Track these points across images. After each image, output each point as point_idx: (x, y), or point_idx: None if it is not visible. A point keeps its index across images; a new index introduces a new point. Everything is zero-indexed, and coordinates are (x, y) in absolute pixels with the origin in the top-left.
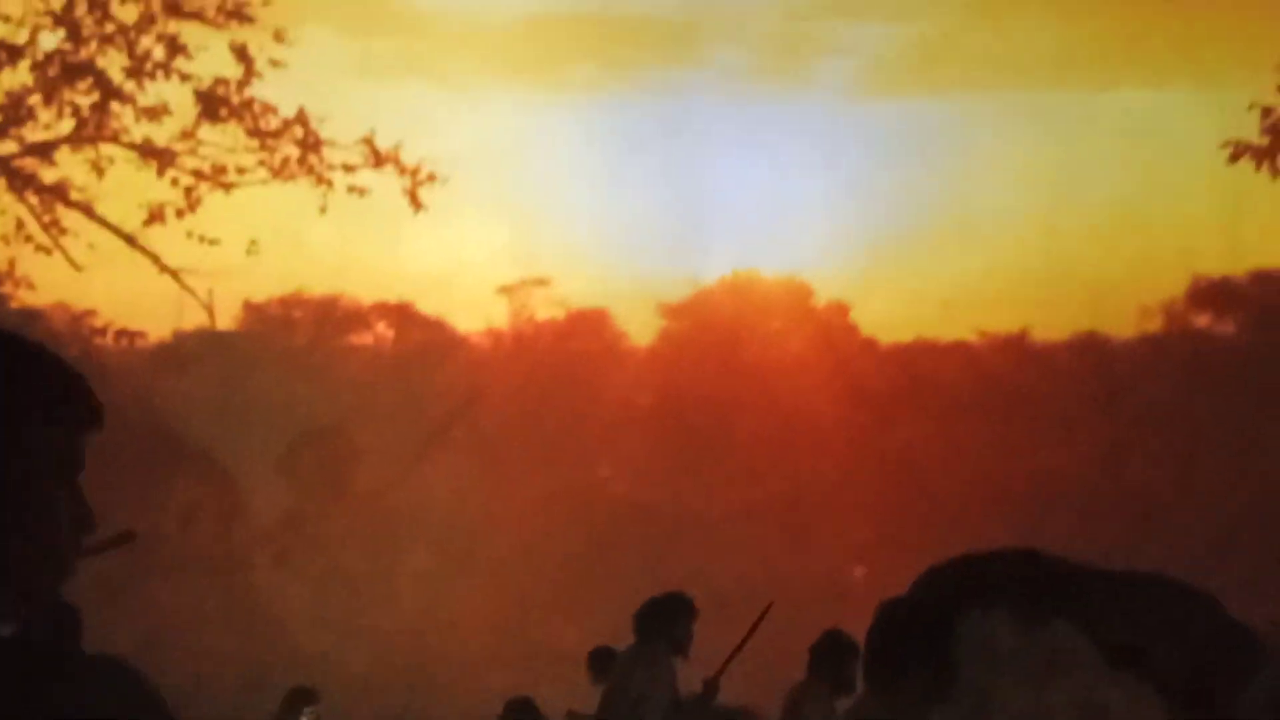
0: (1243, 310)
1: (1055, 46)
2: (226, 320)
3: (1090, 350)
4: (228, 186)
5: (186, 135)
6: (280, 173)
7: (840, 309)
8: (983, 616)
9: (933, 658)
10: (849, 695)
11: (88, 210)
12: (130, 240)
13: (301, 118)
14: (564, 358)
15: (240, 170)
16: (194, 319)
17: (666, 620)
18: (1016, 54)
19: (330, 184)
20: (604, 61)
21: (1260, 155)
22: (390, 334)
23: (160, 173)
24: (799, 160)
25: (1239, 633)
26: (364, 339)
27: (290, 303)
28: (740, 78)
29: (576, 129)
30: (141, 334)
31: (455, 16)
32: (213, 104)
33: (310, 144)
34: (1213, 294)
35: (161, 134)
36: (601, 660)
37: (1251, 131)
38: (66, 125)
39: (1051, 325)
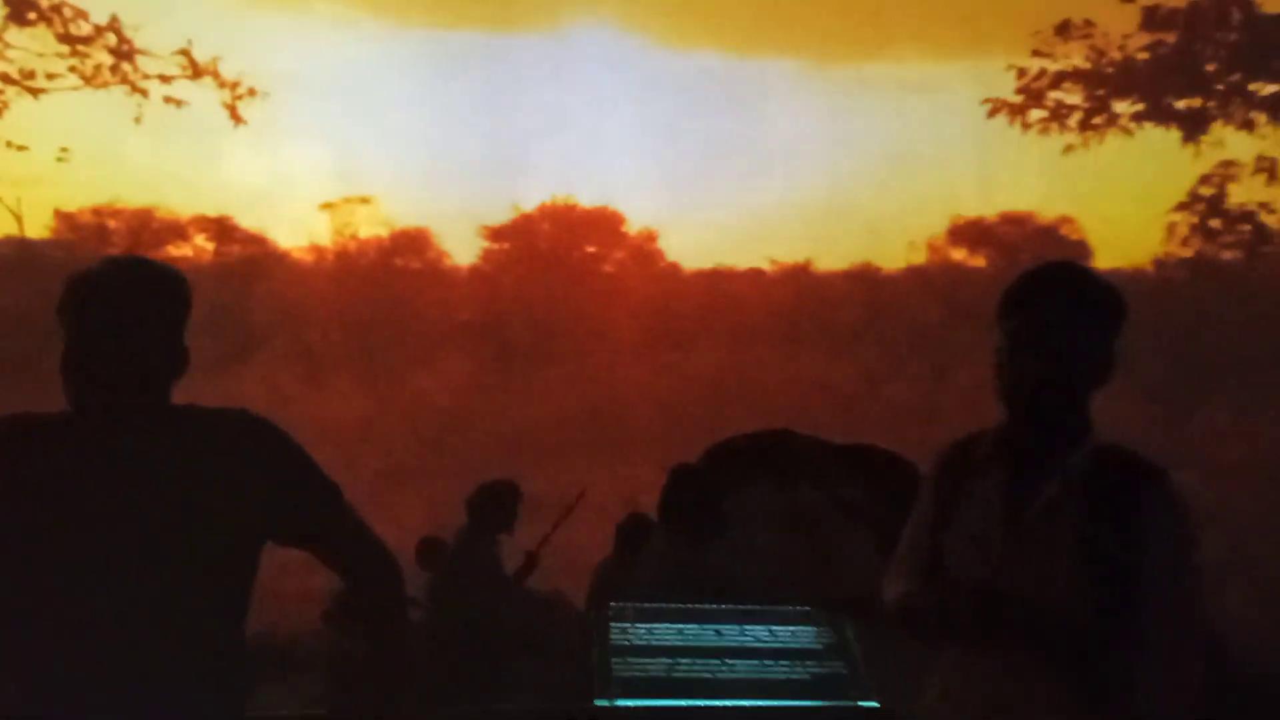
0: (993, 247)
1: (837, 18)
2: (37, 228)
3: (863, 279)
4: (36, 92)
5: None
6: (92, 80)
7: (649, 237)
8: (748, 480)
9: (710, 510)
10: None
11: None
12: None
13: (114, 25)
14: (387, 274)
15: (50, 76)
16: (3, 227)
17: (495, 502)
18: (810, 21)
19: (145, 94)
20: None
21: (1014, 111)
22: (209, 247)
23: None
24: (613, 98)
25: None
26: (182, 251)
27: (104, 212)
28: (560, 18)
29: (400, 53)
30: None
31: None
32: (20, 7)
33: (124, 52)
34: (968, 232)
35: None
36: (429, 548)
37: (1007, 90)
38: None
39: (832, 256)
